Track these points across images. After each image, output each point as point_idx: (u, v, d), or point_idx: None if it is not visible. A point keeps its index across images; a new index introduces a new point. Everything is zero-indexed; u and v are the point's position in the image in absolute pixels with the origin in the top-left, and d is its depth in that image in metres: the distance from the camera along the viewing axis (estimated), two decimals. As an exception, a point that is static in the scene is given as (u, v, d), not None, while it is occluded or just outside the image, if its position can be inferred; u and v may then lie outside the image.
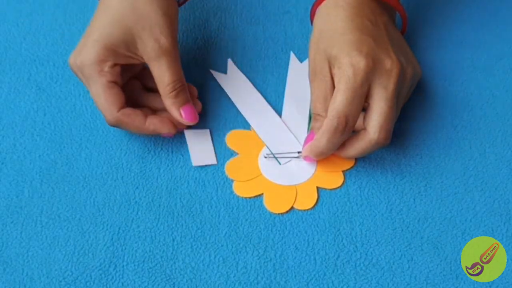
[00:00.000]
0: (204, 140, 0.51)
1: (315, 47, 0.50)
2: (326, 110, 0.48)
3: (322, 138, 0.47)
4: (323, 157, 0.49)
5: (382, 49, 0.48)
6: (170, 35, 0.49)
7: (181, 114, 0.49)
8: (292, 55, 0.56)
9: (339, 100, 0.46)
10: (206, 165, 0.50)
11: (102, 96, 0.47)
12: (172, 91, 0.49)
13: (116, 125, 0.48)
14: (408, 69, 0.49)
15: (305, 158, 0.50)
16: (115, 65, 0.48)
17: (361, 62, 0.46)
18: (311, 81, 0.50)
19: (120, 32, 0.47)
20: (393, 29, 0.52)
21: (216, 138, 0.52)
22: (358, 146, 0.48)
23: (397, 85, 0.47)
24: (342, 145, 0.49)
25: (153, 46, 0.48)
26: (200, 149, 0.51)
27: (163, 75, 0.48)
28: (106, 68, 0.47)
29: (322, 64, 0.49)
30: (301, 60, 0.56)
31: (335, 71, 0.47)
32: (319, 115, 0.48)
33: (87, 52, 0.47)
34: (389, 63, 0.47)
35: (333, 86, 0.48)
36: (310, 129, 0.50)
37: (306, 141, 0.49)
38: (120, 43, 0.48)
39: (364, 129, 0.47)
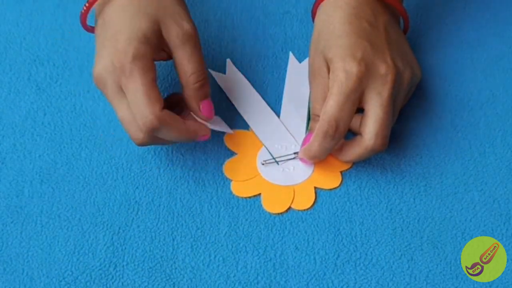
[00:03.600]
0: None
1: (314, 47, 0.50)
2: None
3: (314, 142, 0.47)
4: (318, 160, 0.49)
5: (378, 53, 0.48)
6: (191, 21, 0.48)
7: (200, 107, 0.48)
8: (291, 55, 0.56)
9: (330, 105, 0.46)
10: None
11: (146, 94, 0.44)
12: (195, 82, 0.47)
13: (158, 127, 0.44)
14: (406, 73, 0.49)
15: (301, 160, 0.50)
16: (153, 59, 0.46)
17: (354, 68, 0.46)
18: (310, 82, 0.50)
19: (148, 22, 0.46)
20: (394, 29, 0.51)
21: (215, 138, 0.52)
22: (354, 151, 0.48)
23: (393, 90, 0.47)
24: (340, 149, 0.49)
25: (177, 32, 0.46)
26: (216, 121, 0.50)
27: (187, 63, 0.47)
28: (149, 63, 0.45)
29: (320, 65, 0.49)
30: (300, 61, 0.56)
31: (330, 75, 0.47)
32: (317, 116, 0.48)
33: (125, 51, 0.44)
34: (384, 68, 0.47)
35: None
36: (308, 130, 0.50)
37: (303, 142, 0.50)
38: (151, 33, 0.46)
39: (360, 135, 0.47)
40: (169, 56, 0.48)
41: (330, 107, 0.46)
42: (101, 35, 0.47)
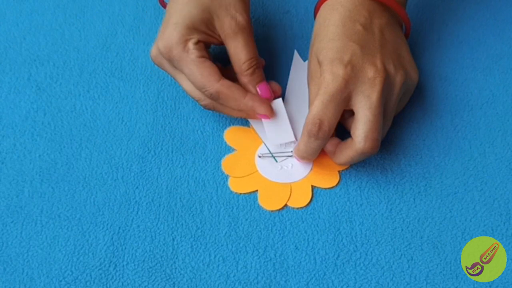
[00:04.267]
0: (279, 114, 0.52)
1: (311, 50, 0.51)
2: None
3: (300, 142, 0.48)
4: (307, 161, 0.50)
5: (368, 56, 0.48)
6: (245, 12, 0.50)
7: (258, 91, 0.50)
8: (295, 53, 0.56)
9: (315, 104, 0.47)
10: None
11: (197, 72, 0.48)
12: (248, 69, 0.49)
13: (216, 97, 0.48)
14: (398, 77, 0.49)
15: (297, 159, 0.50)
16: (198, 41, 0.49)
17: (340, 70, 0.47)
18: (308, 84, 0.51)
19: (199, 11, 0.49)
20: (391, 32, 0.51)
21: (214, 134, 0.52)
22: (346, 154, 0.48)
23: (382, 93, 0.47)
24: (334, 151, 0.49)
25: (230, 23, 0.49)
26: (275, 125, 0.51)
27: (239, 52, 0.49)
28: (191, 45, 0.48)
29: (315, 67, 0.49)
30: (304, 59, 0.56)
31: (320, 77, 0.48)
32: None
33: (170, 35, 0.48)
34: (372, 72, 0.47)
35: None
36: None
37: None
38: (200, 21, 0.49)
39: (352, 138, 0.48)
40: (220, 42, 0.51)
41: (314, 107, 0.47)
42: (168, 7, 0.51)
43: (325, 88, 0.47)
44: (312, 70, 0.50)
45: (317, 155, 0.49)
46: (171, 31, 0.48)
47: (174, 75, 0.50)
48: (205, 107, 0.50)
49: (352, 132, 0.47)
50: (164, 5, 0.55)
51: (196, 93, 0.50)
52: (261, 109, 0.50)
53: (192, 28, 0.49)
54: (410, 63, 0.51)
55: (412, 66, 0.51)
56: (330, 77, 0.47)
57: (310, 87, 0.50)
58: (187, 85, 0.50)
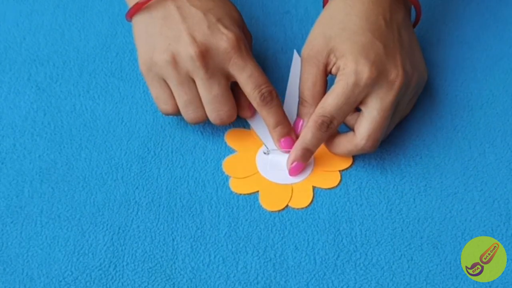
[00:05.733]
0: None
1: (321, 29, 0.49)
2: (312, 98, 0.49)
3: (307, 133, 0.48)
4: (310, 156, 0.49)
5: (390, 57, 0.47)
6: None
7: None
8: (295, 53, 0.56)
9: (329, 103, 0.47)
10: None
11: (259, 68, 0.48)
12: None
13: (270, 97, 0.48)
14: (414, 78, 0.49)
15: (291, 170, 0.49)
16: None
17: (365, 72, 0.46)
18: (303, 60, 0.50)
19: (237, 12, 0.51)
20: (406, 29, 0.51)
21: (214, 135, 0.52)
22: (344, 146, 0.49)
23: (397, 97, 0.47)
24: (331, 140, 0.49)
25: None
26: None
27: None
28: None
29: (321, 48, 0.48)
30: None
31: (340, 70, 0.47)
32: (306, 101, 0.49)
33: (232, 30, 0.48)
34: (393, 75, 0.47)
35: (324, 73, 0.49)
36: (297, 114, 0.51)
37: (294, 127, 0.50)
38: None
39: (354, 132, 0.48)
40: None
41: (329, 105, 0.47)
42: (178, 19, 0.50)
43: (343, 89, 0.46)
44: (314, 48, 0.49)
45: (318, 148, 0.49)
46: (231, 26, 0.48)
47: (209, 77, 0.47)
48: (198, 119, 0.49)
49: (355, 127, 0.48)
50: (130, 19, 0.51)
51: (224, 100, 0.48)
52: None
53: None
54: (422, 63, 0.51)
55: (423, 66, 0.51)
56: (352, 79, 0.46)
57: (305, 68, 0.49)
58: (217, 89, 0.48)
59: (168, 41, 0.47)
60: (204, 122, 0.50)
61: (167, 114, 0.50)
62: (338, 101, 0.47)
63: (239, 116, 0.51)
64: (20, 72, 0.55)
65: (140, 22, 0.49)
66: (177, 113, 0.49)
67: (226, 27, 0.48)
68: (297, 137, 0.50)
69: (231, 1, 0.51)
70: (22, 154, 0.51)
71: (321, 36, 0.49)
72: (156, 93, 0.49)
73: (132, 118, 0.53)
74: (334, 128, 0.48)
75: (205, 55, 0.46)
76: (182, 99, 0.48)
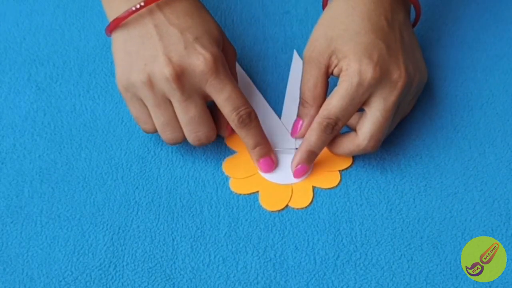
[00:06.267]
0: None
1: (322, 30, 0.49)
2: (313, 99, 0.49)
3: (312, 136, 0.48)
4: (314, 158, 0.49)
5: (393, 57, 0.47)
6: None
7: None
8: (295, 53, 0.56)
9: (334, 105, 0.47)
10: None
11: (238, 89, 0.48)
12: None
13: (249, 119, 0.48)
14: (415, 78, 0.49)
15: (295, 172, 0.49)
16: None
17: (368, 72, 0.46)
18: (305, 61, 0.50)
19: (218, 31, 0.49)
20: (407, 29, 0.51)
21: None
22: (346, 147, 0.49)
23: (399, 97, 0.47)
24: (332, 140, 0.49)
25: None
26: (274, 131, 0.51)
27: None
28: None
29: (323, 49, 0.48)
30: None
31: (342, 70, 0.47)
32: (306, 102, 0.49)
33: (210, 48, 0.47)
34: (396, 75, 0.47)
35: (326, 75, 0.49)
36: (297, 115, 0.51)
37: (293, 127, 0.51)
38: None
39: (355, 132, 0.48)
40: None
41: (333, 107, 0.47)
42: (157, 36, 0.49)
43: (347, 90, 0.46)
44: (316, 49, 0.49)
45: (323, 150, 0.49)
46: (208, 46, 0.46)
47: (185, 99, 0.46)
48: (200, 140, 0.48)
49: (358, 128, 0.48)
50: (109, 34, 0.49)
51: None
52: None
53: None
54: (422, 64, 0.51)
55: (424, 66, 0.51)
56: (356, 79, 0.46)
57: (307, 69, 0.49)
58: (198, 110, 0.47)
59: (145, 61, 0.46)
60: (182, 143, 0.50)
61: (149, 133, 0.49)
62: (342, 102, 0.47)
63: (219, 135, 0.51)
64: (20, 72, 0.55)
65: (118, 38, 0.48)
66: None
67: (203, 46, 0.46)
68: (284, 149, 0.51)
69: (212, 16, 0.50)
70: (22, 154, 0.51)
71: (323, 38, 0.49)
72: (136, 113, 0.48)
73: (132, 118, 0.53)
74: (338, 130, 0.48)
75: (181, 77, 0.45)
76: (159, 120, 0.47)
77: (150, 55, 0.46)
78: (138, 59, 0.46)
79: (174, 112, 0.47)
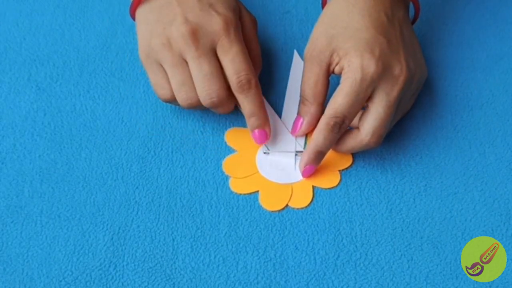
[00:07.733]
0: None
1: (323, 28, 0.49)
2: (313, 96, 0.49)
3: (319, 136, 0.48)
4: (322, 158, 0.49)
5: (394, 52, 0.48)
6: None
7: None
8: (295, 53, 0.56)
9: (340, 103, 0.47)
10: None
11: (245, 53, 0.49)
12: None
13: (249, 86, 0.48)
14: (416, 73, 0.49)
15: (304, 172, 0.49)
16: None
17: (371, 67, 0.46)
18: (306, 59, 0.50)
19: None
20: (406, 26, 0.51)
21: (214, 134, 0.52)
22: (348, 143, 0.49)
23: (401, 92, 0.47)
24: None
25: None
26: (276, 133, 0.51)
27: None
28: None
29: (324, 48, 0.48)
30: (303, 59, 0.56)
31: (344, 67, 0.47)
32: (306, 100, 0.49)
33: (225, 10, 0.49)
34: (398, 70, 0.47)
35: (327, 73, 0.49)
36: (298, 112, 0.51)
37: (294, 125, 0.51)
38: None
39: (358, 128, 0.48)
40: None
41: (339, 105, 0.47)
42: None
43: (351, 86, 0.46)
44: (317, 47, 0.49)
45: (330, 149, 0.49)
46: (223, 10, 0.49)
47: (199, 55, 0.48)
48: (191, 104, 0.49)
49: (360, 124, 0.48)
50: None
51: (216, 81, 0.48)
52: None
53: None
54: (422, 59, 0.51)
55: (424, 63, 0.52)
56: (359, 75, 0.46)
57: (308, 67, 0.49)
58: (208, 67, 0.48)
59: (164, 26, 0.48)
60: (196, 109, 0.50)
61: (165, 100, 0.50)
62: (348, 99, 0.46)
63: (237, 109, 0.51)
64: (20, 72, 0.55)
65: (141, 13, 0.51)
66: (175, 99, 0.50)
67: (218, 10, 0.49)
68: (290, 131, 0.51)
69: None
70: (22, 154, 0.51)
71: (324, 36, 0.49)
72: (154, 79, 0.50)
73: (132, 118, 0.53)
74: (345, 128, 0.48)
75: (196, 34, 0.48)
76: (175, 80, 0.48)
77: (169, 20, 0.48)
78: (158, 25, 0.49)
79: (190, 74, 0.48)
